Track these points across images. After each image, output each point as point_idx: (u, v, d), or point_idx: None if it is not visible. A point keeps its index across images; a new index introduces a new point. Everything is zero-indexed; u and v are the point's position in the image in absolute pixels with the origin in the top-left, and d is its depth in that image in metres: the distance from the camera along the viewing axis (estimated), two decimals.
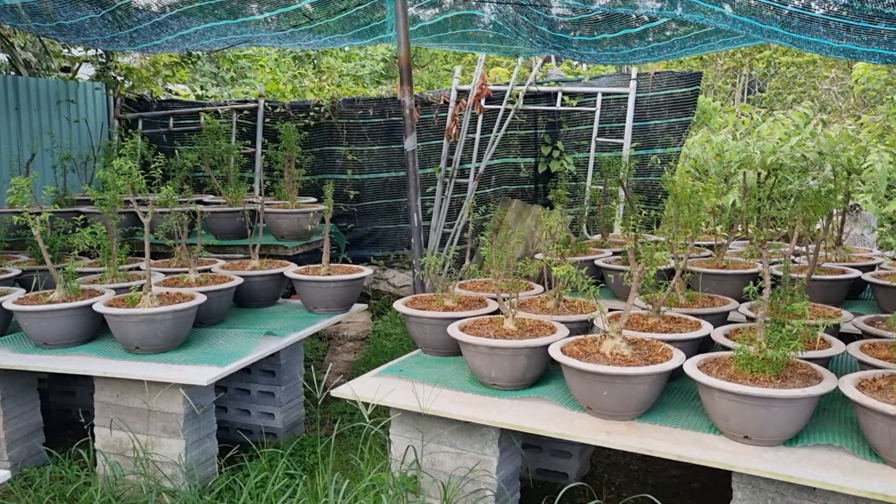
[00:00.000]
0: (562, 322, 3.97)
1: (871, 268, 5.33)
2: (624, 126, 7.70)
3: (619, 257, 5.66)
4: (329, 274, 5.05)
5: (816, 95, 15.98)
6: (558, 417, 3.39)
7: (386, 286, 8.02)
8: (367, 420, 3.37)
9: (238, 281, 4.85)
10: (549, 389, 3.66)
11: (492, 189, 8.23)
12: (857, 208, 9.09)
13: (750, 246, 5.77)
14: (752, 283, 5.21)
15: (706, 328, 3.82)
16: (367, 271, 5.17)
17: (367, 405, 3.43)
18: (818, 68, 15.68)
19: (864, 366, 3.47)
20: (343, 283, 5.00)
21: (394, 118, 8.12)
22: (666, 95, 7.73)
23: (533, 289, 4.64)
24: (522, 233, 4.89)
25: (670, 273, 4.36)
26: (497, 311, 4.26)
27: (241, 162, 7.56)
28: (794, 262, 5.21)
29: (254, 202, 6.64)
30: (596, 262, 5.49)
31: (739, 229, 5.68)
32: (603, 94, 7.79)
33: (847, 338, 3.92)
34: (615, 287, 5.19)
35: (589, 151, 7.84)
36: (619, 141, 7.68)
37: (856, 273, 4.91)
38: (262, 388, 4.93)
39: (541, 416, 3.41)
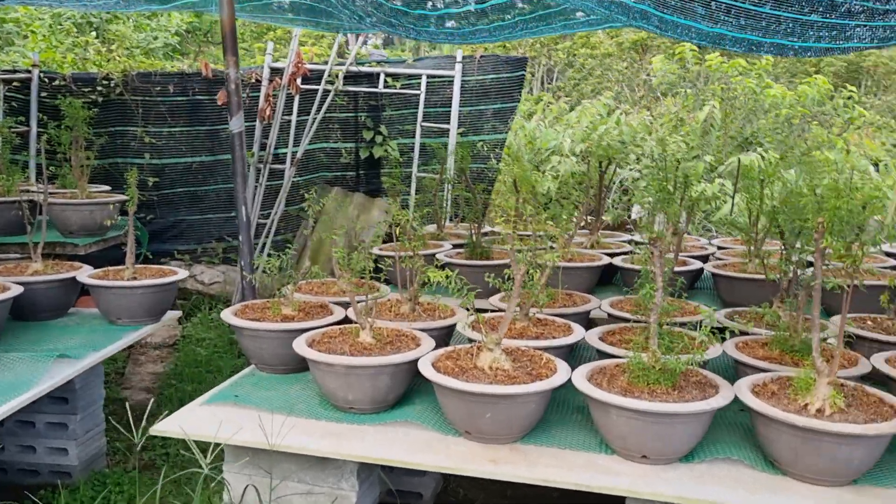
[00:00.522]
0: (422, 330, 3.51)
1: (706, 258, 5.36)
2: (450, 111, 7.36)
3: (461, 251, 5.30)
4: (136, 278, 4.24)
5: (610, 86, 16.68)
6: (433, 445, 2.93)
7: (194, 284, 7.16)
8: (205, 465, 2.72)
9: (16, 290, 3.91)
10: (417, 411, 3.19)
11: (310, 176, 7.60)
12: None
13: (590, 236, 5.64)
14: (602, 275, 5.08)
15: (578, 332, 3.52)
16: (181, 273, 4.41)
17: (204, 447, 2.78)
18: (614, 61, 16.38)
19: (740, 366, 3.32)
20: (153, 288, 4.22)
21: (199, 96, 7.24)
22: (492, 80, 7.47)
23: (378, 289, 4.14)
24: (359, 226, 4.37)
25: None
26: (345, 320, 3.72)
27: (13, 143, 6.37)
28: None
29: (31, 191, 5.57)
30: (437, 255, 5.09)
31: (587, 220, 5.52)
32: (428, 77, 7.39)
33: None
34: None
35: (414, 137, 7.43)
36: (446, 126, 7.33)
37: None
38: (52, 419, 4.05)
39: (412, 444, 2.94)
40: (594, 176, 5.52)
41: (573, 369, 3.02)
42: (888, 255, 5.55)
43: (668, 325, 3.33)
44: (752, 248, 4.93)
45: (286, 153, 7.16)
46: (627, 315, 3.78)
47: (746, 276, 4.52)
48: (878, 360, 3.28)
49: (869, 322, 3.95)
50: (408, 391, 3.30)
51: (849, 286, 2.94)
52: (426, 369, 2.96)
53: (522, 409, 2.86)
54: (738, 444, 2.94)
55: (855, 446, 2.58)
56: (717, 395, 2.79)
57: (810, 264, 4.54)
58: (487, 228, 6.20)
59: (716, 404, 2.70)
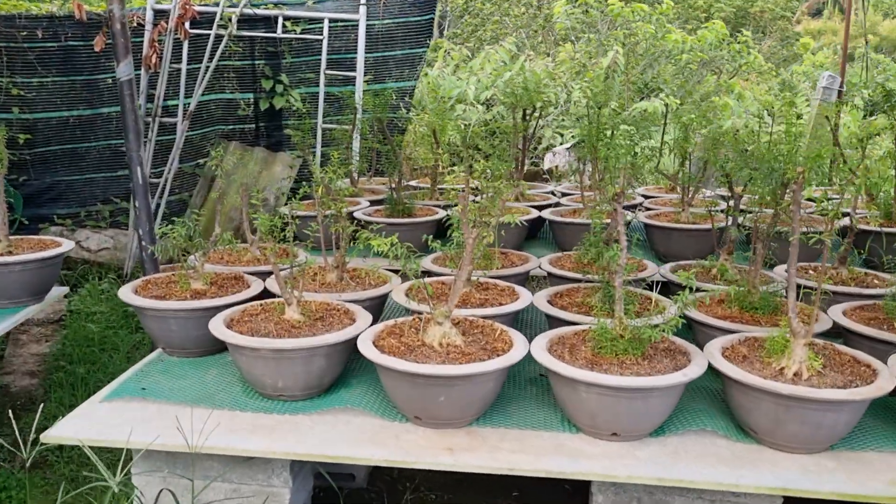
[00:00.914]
0: (353, 301, 3.14)
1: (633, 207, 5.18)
2: (355, 57, 6.86)
3: (379, 208, 4.92)
4: (11, 252, 3.66)
5: (508, 32, 16.37)
6: (379, 435, 2.59)
7: (79, 251, 6.47)
8: (112, 480, 2.29)
9: None
10: (357, 395, 2.84)
11: (205, 130, 6.98)
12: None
13: (514, 189, 5.34)
14: (530, 230, 4.81)
15: (524, 296, 3.24)
16: (66, 244, 3.84)
17: (106, 456, 2.34)
18: (512, 6, 16.04)
19: (699, 326, 3.12)
20: (34, 263, 3.65)
21: (73, 42, 6.46)
22: (399, 24, 7.01)
23: (298, 256, 3.73)
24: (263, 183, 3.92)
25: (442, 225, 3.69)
26: (264, 293, 3.31)
27: None
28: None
29: None
30: (355, 214, 4.69)
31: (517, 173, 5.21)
32: (330, 21, 6.85)
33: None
34: None
35: (317, 86, 6.90)
36: (352, 74, 6.84)
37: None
38: None
39: (355, 435, 2.59)
40: (518, 125, 5.20)
41: (530, 340, 2.73)
42: (809, 200, 5.52)
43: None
44: (685, 197, 4.77)
45: (177, 105, 6.51)
46: (574, 274, 3.52)
47: (684, 227, 4.33)
48: (836, 313, 3.15)
49: (812, 272, 3.84)
50: (344, 372, 2.94)
51: (817, 235, 2.75)
52: (368, 349, 2.60)
53: (480, 390, 2.56)
54: (707, 413, 2.74)
55: (840, 412, 2.41)
56: (690, 363, 2.56)
57: (744, 212, 4.40)
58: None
59: (692, 374, 2.47)
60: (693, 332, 3.18)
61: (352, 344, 2.74)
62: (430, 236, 3.04)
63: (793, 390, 2.37)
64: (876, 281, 3.74)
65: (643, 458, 2.46)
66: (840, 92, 8.41)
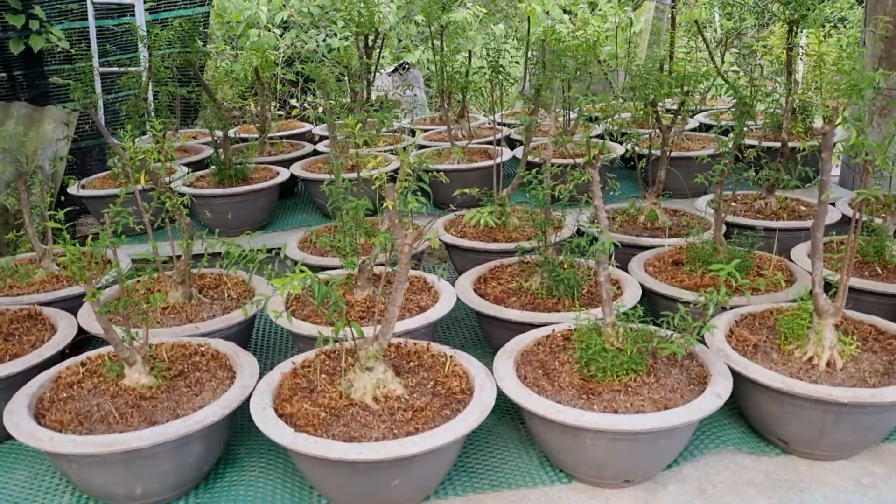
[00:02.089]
0: (217, 333, 2.24)
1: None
2: None
3: (202, 174, 3.90)
4: None
5: None
6: None
7: None
8: None
9: None
10: (252, 480, 1.96)
11: None
12: (407, 66, 8.41)
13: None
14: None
15: (446, 291, 2.47)
16: None
17: None
18: None
19: (660, 299, 2.52)
20: None
21: None
22: None
23: (109, 262, 2.69)
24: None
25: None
26: (80, 341, 2.30)
27: None
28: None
29: None
30: (171, 184, 3.64)
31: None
32: None
33: None
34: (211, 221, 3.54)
35: (86, 18, 5.52)
36: (129, 1, 5.52)
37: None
38: None
39: None
40: (364, 58, 4.28)
41: (491, 363, 1.99)
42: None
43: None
44: (567, 127, 4.16)
45: None
46: (488, 245, 2.79)
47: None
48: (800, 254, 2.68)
49: (735, 203, 3.37)
50: (229, 443, 2.05)
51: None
52: (275, 429, 1.74)
53: (445, 459, 1.80)
54: (718, 423, 2.16)
55: None
56: (710, 373, 1.93)
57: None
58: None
59: (725, 393, 1.85)
60: (653, 305, 2.58)
61: (237, 413, 1.86)
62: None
63: (853, 395, 1.82)
64: (803, 207, 3.34)
65: None
66: None
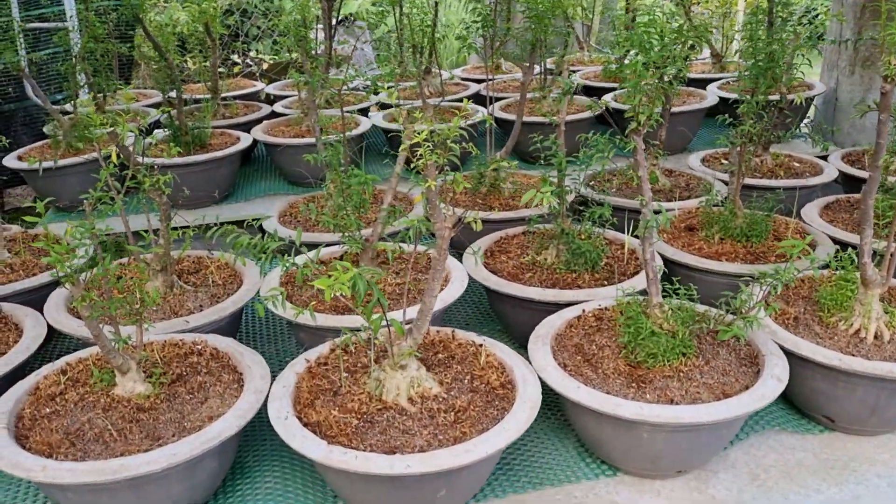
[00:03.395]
0: (209, 327, 2.00)
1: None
2: None
3: (159, 143, 3.56)
4: None
5: None
6: None
7: None
8: None
9: None
10: (264, 494, 1.76)
11: None
12: (352, 18, 8.02)
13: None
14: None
15: (455, 268, 2.28)
16: None
17: None
18: None
19: (680, 268, 2.38)
20: None
21: None
22: None
23: (71, 250, 2.41)
24: None
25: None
26: (52, 338, 2.03)
27: None
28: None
29: None
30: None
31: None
32: None
33: None
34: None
35: None
36: None
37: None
38: None
39: None
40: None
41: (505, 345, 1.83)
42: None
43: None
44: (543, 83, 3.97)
45: None
46: (487, 215, 2.60)
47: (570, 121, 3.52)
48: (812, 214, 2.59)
49: (725, 161, 3.26)
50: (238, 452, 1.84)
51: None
52: (303, 443, 1.53)
53: (490, 464, 1.64)
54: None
55: None
56: (766, 356, 1.80)
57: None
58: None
59: (785, 377, 1.72)
60: (669, 274, 2.44)
61: (254, 422, 1.65)
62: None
63: None
64: (797, 164, 3.25)
65: (722, 497, 1.72)
66: None
